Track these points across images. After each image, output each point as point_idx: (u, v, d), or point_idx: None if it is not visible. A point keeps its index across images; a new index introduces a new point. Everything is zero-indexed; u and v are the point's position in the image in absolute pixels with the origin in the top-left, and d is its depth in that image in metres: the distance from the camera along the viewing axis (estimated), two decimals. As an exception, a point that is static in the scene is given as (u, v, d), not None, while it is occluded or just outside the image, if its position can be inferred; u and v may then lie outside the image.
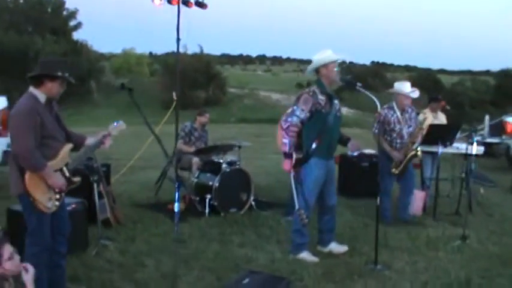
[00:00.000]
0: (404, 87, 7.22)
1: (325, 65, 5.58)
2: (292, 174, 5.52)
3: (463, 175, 8.09)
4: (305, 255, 5.71)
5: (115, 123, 4.67)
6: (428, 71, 68.94)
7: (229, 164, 7.75)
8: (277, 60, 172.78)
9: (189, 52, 34.21)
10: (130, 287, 4.78)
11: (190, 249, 5.87)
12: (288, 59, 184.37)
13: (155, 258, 5.52)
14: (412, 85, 7.39)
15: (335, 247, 6.03)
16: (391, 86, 7.50)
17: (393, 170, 7.22)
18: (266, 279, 4.53)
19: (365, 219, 7.42)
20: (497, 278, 5.36)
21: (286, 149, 5.47)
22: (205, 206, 7.39)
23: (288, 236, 6.38)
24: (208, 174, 7.67)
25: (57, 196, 4.24)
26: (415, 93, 7.24)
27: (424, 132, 7.42)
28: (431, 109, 8.67)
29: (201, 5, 8.90)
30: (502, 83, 44.39)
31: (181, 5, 8.64)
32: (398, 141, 7.23)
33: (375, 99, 5.63)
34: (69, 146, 4.34)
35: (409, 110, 7.35)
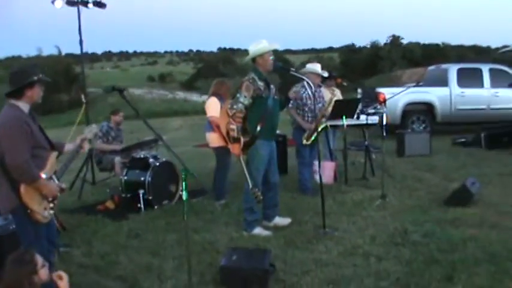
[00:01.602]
0: (316, 67, 7.93)
1: (261, 55, 6.05)
2: (241, 157, 5.94)
3: (366, 143, 9.01)
4: (259, 231, 6.18)
5: (90, 127, 4.82)
6: (275, 52, 70.88)
7: (155, 158, 7.97)
8: (123, 55, 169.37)
9: (44, 54, 33.10)
10: (120, 283, 4.93)
11: (151, 242, 6.08)
12: (135, 53, 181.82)
13: (124, 255, 5.67)
14: None
15: (279, 220, 6.55)
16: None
17: (304, 141, 7.89)
18: (250, 253, 4.93)
19: (289, 193, 7.99)
20: (425, 224, 6.21)
21: (235, 134, 5.88)
22: (139, 202, 7.56)
23: (232, 217, 6.85)
24: (137, 171, 7.84)
25: (51, 205, 4.31)
26: (325, 73, 8.02)
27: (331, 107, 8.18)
28: (326, 86, 9.41)
29: (100, 5, 9.07)
30: (348, 58, 47.04)
31: (80, 6, 8.79)
32: (309, 115, 7.92)
33: (308, 80, 6.29)
34: (55, 153, 4.40)
35: (318, 89, 8.06)
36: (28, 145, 4.06)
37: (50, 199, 4.29)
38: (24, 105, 4.18)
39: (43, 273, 3.48)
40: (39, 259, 3.50)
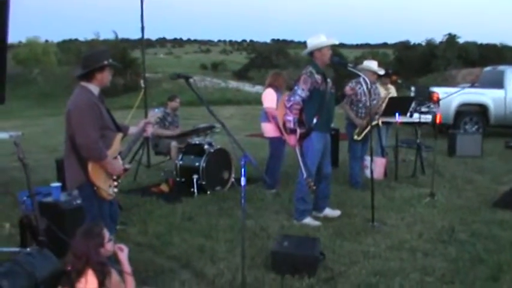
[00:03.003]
0: (373, 65, 8.04)
1: (319, 49, 6.20)
2: (297, 148, 6.14)
3: (418, 141, 9.07)
4: (309, 221, 6.36)
5: (153, 111, 5.07)
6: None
7: (210, 144, 8.23)
8: (177, 43, 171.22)
9: (101, 39, 33.81)
10: (174, 262, 5.17)
11: (204, 225, 6.32)
12: (189, 41, 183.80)
13: (177, 236, 5.92)
14: None
15: (329, 212, 6.71)
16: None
17: (355, 136, 8.01)
18: (301, 240, 5.13)
19: (339, 186, 8.13)
20: (473, 224, 6.28)
21: (291, 125, 6.08)
22: (193, 186, 7.83)
23: (283, 205, 7.06)
24: (192, 156, 8.11)
25: (115, 183, 4.60)
26: (381, 71, 8.12)
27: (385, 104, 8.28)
28: (381, 83, 9.50)
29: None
30: (402, 55, 46.32)
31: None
32: (363, 111, 8.02)
33: (364, 76, 6.44)
34: (121, 135, 4.67)
35: (373, 85, 8.16)
36: (97, 126, 4.32)
37: (115, 177, 4.56)
38: (94, 88, 4.44)
39: (109, 247, 3.75)
40: (106, 233, 3.76)
